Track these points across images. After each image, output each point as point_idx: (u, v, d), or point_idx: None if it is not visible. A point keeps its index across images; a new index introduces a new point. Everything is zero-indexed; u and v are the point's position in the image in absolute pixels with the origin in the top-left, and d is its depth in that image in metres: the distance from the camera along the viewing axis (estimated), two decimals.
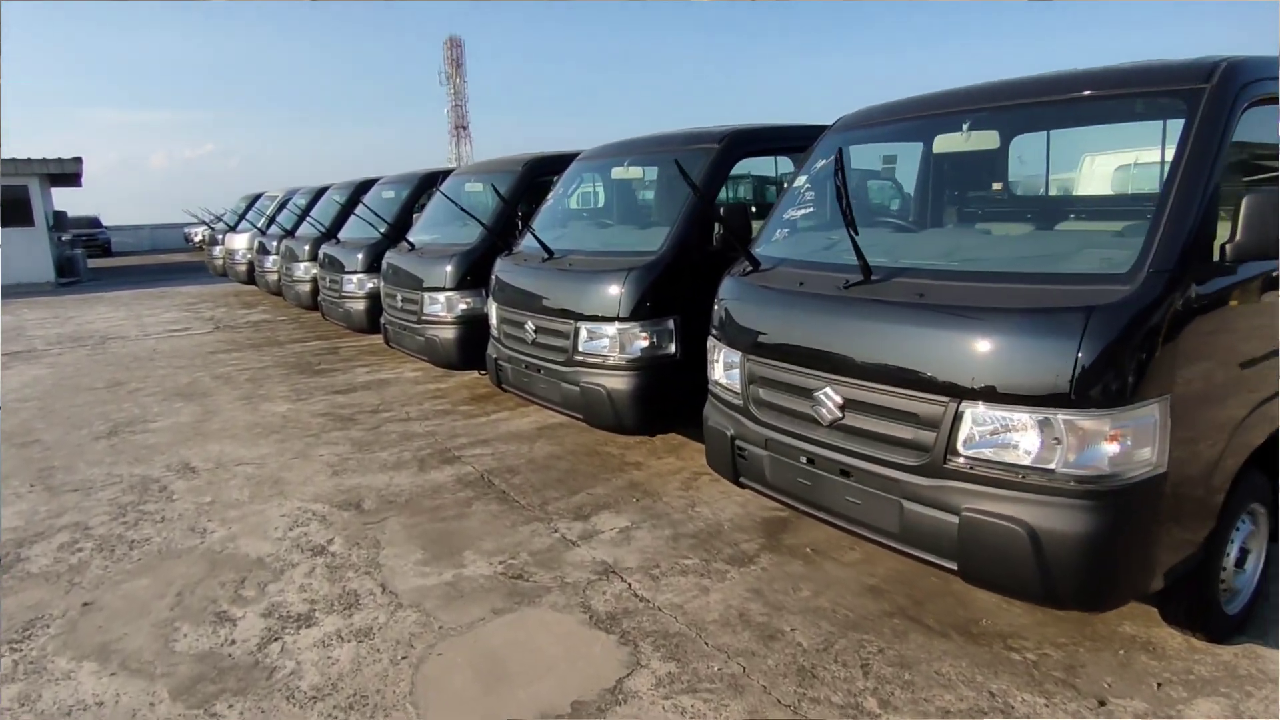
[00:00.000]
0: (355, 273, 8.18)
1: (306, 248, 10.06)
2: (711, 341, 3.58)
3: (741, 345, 3.29)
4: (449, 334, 6.19)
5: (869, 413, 2.72)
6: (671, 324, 4.23)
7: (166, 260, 29.44)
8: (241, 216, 15.48)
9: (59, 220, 21.90)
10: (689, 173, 3.63)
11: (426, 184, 8.57)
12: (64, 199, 35.79)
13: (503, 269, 5.31)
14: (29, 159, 19.24)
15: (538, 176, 6.54)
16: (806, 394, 2.91)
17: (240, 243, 14.11)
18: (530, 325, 4.79)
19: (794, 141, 4.83)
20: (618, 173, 5.46)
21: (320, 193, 11.77)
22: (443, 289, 6.21)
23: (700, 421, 3.67)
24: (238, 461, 5.36)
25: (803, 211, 3.58)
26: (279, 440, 5.82)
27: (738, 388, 3.32)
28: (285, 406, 6.82)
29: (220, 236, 15.85)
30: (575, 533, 4.06)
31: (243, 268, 14.01)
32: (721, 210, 4.01)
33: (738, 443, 3.28)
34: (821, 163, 3.60)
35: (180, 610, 3.38)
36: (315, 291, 9.84)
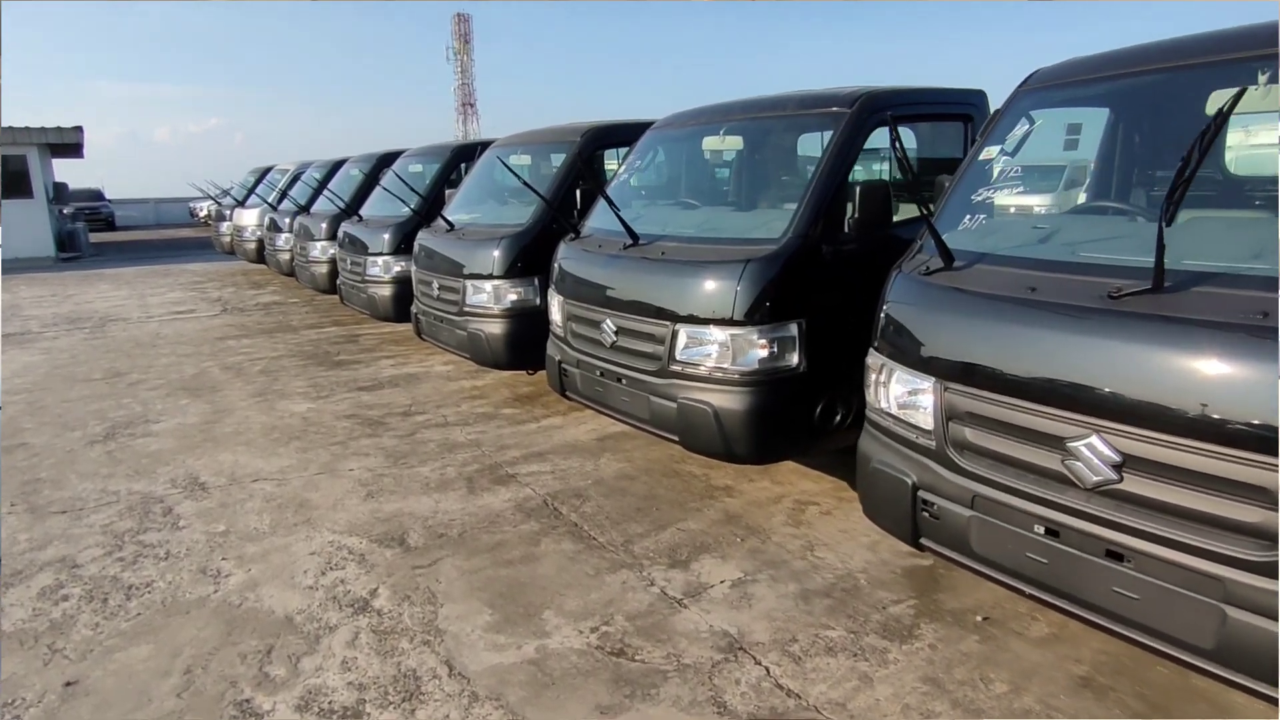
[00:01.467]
0: (381, 255, 7.36)
1: (324, 225, 9.24)
2: (877, 359, 2.80)
3: (935, 369, 2.51)
4: (496, 329, 5.39)
5: None
6: (794, 330, 3.42)
7: (171, 235, 28.61)
8: (250, 191, 14.63)
9: (59, 192, 21.06)
10: (812, 144, 3.68)
11: (461, 157, 7.77)
12: (66, 171, 34.98)
13: (569, 256, 4.50)
14: (27, 127, 18.36)
15: (599, 148, 5.78)
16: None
17: (249, 219, 13.28)
18: (609, 325, 3.98)
19: (935, 107, 4.04)
20: (711, 143, 4.64)
21: (337, 166, 10.93)
22: (489, 276, 5.39)
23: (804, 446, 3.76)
24: (254, 476, 4.58)
25: (1004, 191, 2.87)
26: (301, 449, 5.04)
27: (929, 424, 2.54)
28: (305, 406, 6.04)
29: (227, 212, 15.01)
30: (677, 586, 3.28)
31: (252, 246, 13.18)
32: (858, 190, 3.40)
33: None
34: (1022, 129, 2.98)
35: (190, 698, 2.61)
36: (333, 274, 9.03)
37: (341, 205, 8.77)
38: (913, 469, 2.58)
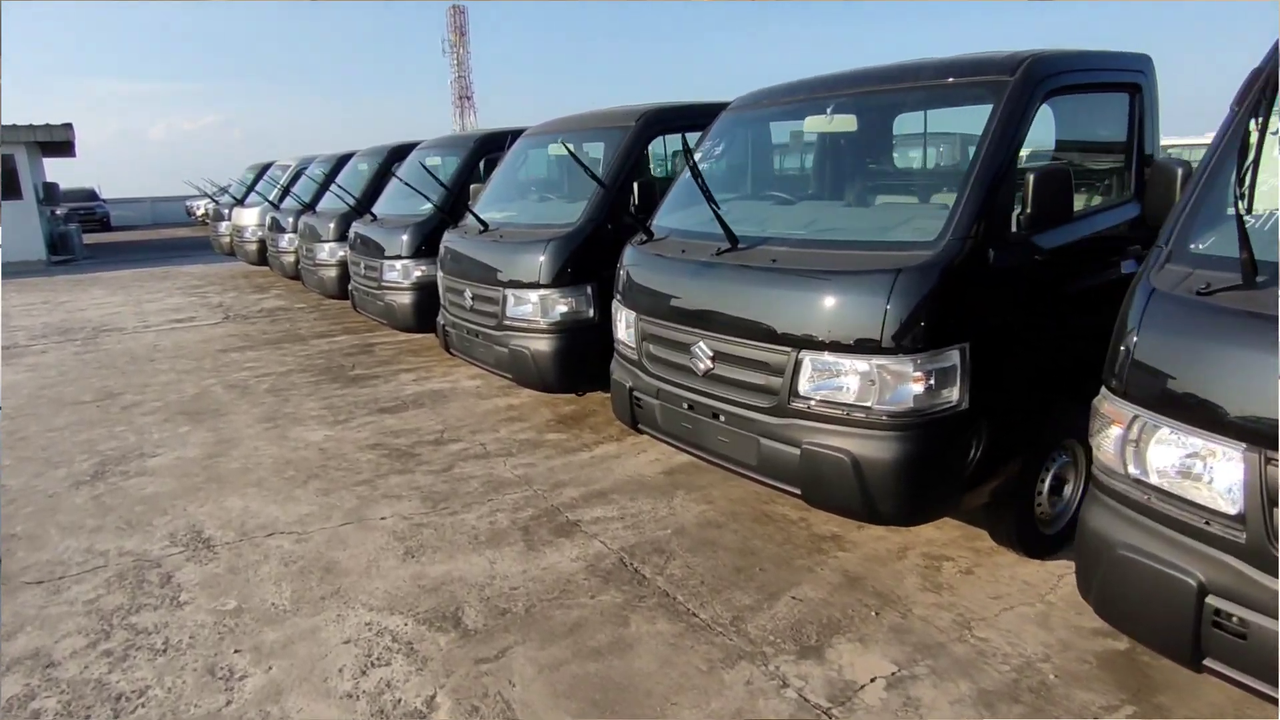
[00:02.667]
0: (399, 258, 6.61)
1: (331, 225, 8.50)
2: (1124, 408, 2.08)
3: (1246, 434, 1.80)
4: (544, 346, 4.65)
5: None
6: (956, 358, 2.72)
7: (168, 235, 27.84)
8: (250, 189, 13.87)
9: (50, 192, 20.30)
10: (959, 122, 3.39)
11: (487, 147, 7.01)
12: (59, 171, 34.28)
13: (641, 263, 3.76)
14: (14, 125, 17.59)
15: (658, 134, 5.04)
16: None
17: (250, 218, 12.53)
18: (703, 349, 3.24)
19: (1104, 74, 3.47)
20: (815, 124, 3.81)
21: (343, 161, 10.18)
22: (535, 285, 4.66)
23: None
24: (269, 529, 3.87)
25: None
26: (321, 490, 4.33)
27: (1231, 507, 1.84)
28: (322, 433, 5.32)
29: (226, 211, 14.25)
30: (817, 687, 2.57)
31: (253, 247, 12.44)
32: (1031, 178, 2.76)
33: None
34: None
35: None
36: (343, 278, 8.29)
37: (351, 202, 8.02)
38: (1199, 566, 1.87)
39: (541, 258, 4.62)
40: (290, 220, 10.32)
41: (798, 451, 2.87)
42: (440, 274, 5.68)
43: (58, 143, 19.19)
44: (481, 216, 5.38)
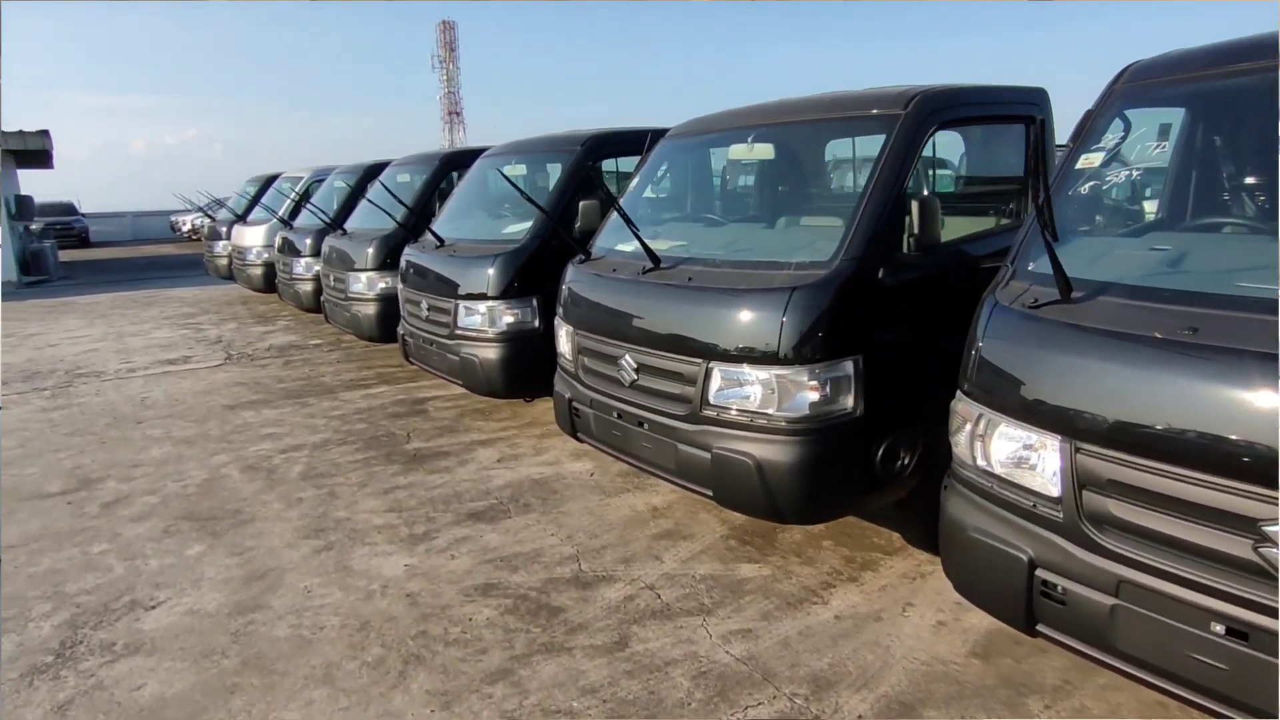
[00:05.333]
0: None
1: (370, 251, 6.82)
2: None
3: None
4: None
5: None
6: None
7: (152, 253, 25.91)
8: (253, 203, 12.14)
9: (23, 206, 18.42)
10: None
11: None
12: (35, 184, 32.44)
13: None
14: None
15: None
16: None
17: (254, 238, 10.80)
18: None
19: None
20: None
21: (373, 173, 8.52)
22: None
23: None
24: None
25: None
26: (436, 695, 2.65)
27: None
28: (400, 561, 3.64)
29: (224, 229, 12.50)
30: None
31: (257, 271, 10.70)
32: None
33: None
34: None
35: None
36: (385, 318, 6.64)
37: (397, 222, 6.43)
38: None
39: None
40: (308, 241, 8.63)
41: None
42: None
43: (33, 151, 17.42)
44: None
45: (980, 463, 2.35)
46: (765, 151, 3.93)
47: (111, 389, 7.16)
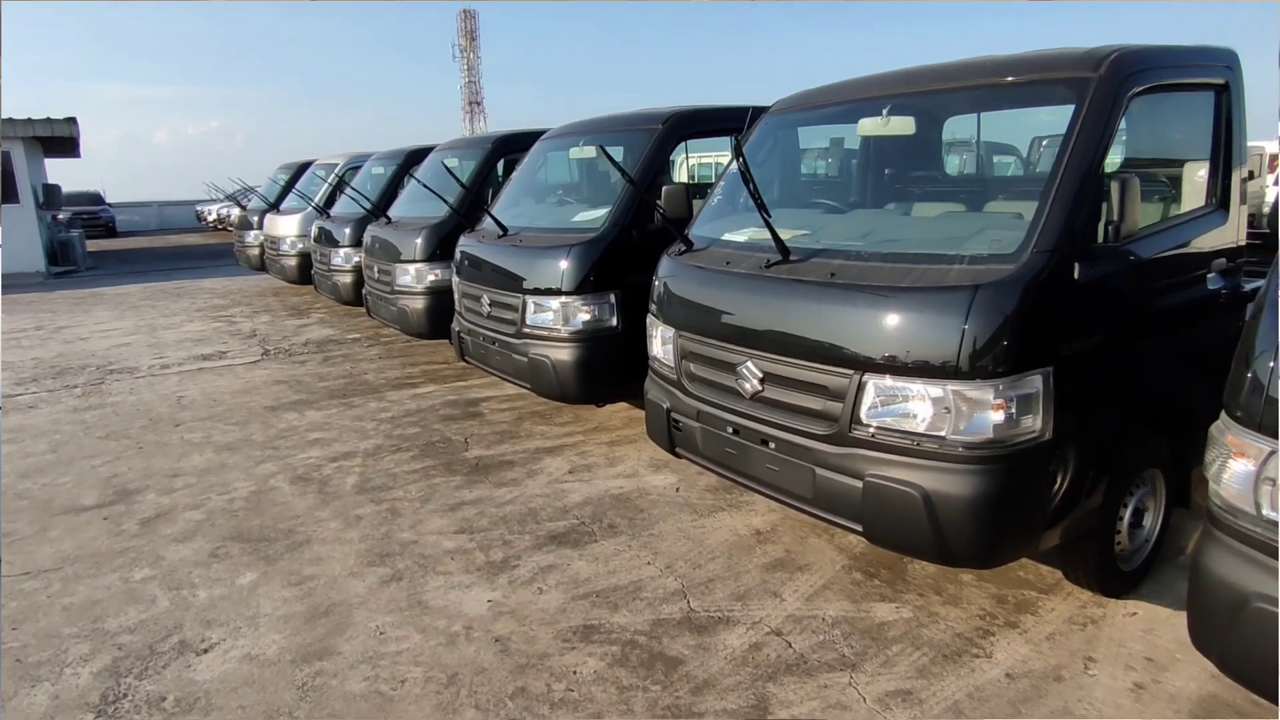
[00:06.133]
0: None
1: (419, 242, 6.37)
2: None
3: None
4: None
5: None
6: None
7: (178, 242, 25.76)
8: (285, 192, 11.76)
9: (52, 196, 18.21)
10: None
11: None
12: (62, 173, 32.45)
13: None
14: (10, 119, 15.51)
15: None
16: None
17: (287, 228, 10.41)
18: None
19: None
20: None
21: (415, 158, 8.07)
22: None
23: None
24: None
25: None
26: None
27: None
28: (482, 598, 3.18)
29: (255, 219, 12.14)
30: None
31: (291, 262, 10.32)
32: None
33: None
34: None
35: None
36: (437, 314, 6.19)
37: (453, 209, 5.94)
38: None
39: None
40: (347, 231, 8.21)
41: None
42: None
43: (60, 139, 17.13)
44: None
45: (1268, 513, 1.86)
46: (903, 126, 3.37)
47: (145, 387, 6.79)
